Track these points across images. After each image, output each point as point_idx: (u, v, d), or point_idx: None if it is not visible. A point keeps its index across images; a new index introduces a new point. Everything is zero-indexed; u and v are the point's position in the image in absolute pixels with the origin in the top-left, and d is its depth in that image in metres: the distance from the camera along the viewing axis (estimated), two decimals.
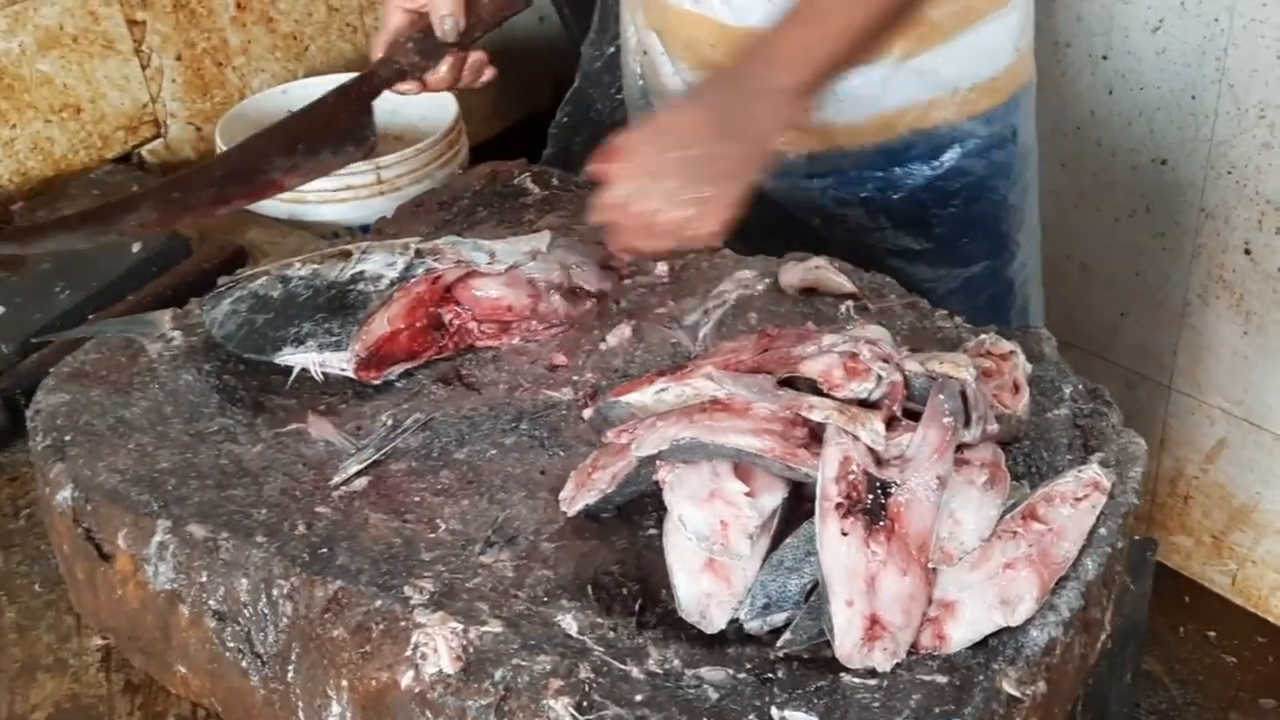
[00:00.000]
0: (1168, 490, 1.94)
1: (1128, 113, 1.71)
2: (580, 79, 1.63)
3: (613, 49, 1.52)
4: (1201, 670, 1.85)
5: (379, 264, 0.98)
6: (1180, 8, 1.60)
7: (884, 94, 1.23)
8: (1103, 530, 0.77)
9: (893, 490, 0.73)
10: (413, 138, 1.57)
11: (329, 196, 1.48)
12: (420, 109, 1.62)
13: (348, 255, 1.00)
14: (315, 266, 1.00)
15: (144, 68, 1.61)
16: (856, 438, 0.74)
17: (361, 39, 1.85)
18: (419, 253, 0.99)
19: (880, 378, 0.76)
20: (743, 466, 0.75)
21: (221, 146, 1.52)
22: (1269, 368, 1.72)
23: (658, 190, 0.90)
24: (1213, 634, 1.90)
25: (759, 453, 0.73)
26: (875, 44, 1.03)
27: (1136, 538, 0.95)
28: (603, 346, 0.98)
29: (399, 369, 0.97)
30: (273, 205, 1.49)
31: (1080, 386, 0.91)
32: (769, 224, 1.16)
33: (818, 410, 0.74)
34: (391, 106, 1.66)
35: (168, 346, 0.99)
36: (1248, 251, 1.67)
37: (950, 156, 1.27)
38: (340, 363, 0.95)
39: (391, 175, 1.49)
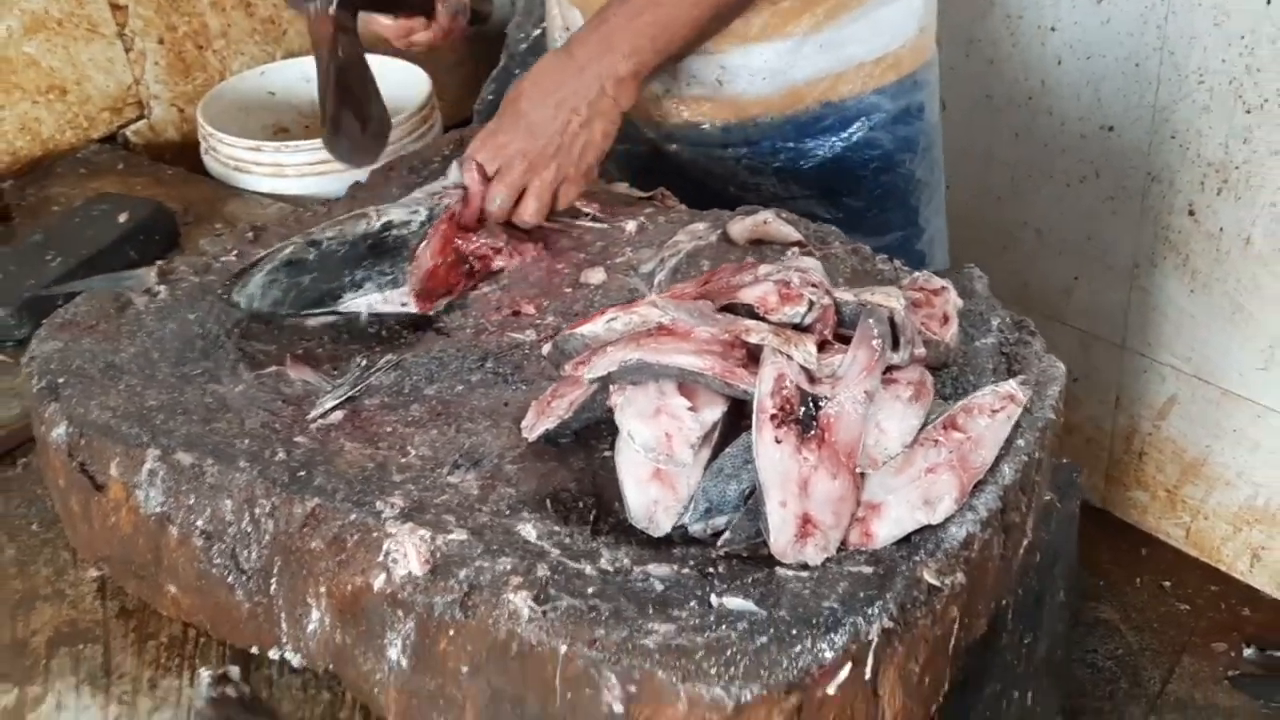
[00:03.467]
0: (1123, 447, 2.01)
1: (1076, 82, 1.78)
2: (506, 59, 1.70)
3: (538, 31, 1.58)
4: (1156, 617, 1.92)
5: (402, 214, 1.05)
6: None
7: (792, 67, 1.30)
8: (1020, 441, 0.84)
9: (823, 404, 0.79)
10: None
11: (307, 170, 1.54)
12: (395, 88, 1.68)
13: (365, 215, 1.07)
14: (339, 228, 1.06)
15: (127, 51, 1.67)
16: (790, 357, 0.80)
17: None
18: (432, 200, 1.07)
19: (812, 303, 0.83)
20: (686, 385, 0.81)
21: (204, 126, 1.58)
22: (1214, 325, 1.79)
23: (522, 184, 1.11)
24: (1168, 584, 1.97)
25: (700, 371, 0.80)
26: (708, 35, 1.16)
27: (1064, 460, 1.01)
28: (567, 292, 1.05)
29: (444, 301, 1.05)
30: (253, 180, 1.55)
31: (1007, 319, 0.97)
32: (686, 192, 1.24)
33: (754, 333, 0.81)
34: None
35: (153, 299, 1.06)
36: (1191, 213, 1.74)
37: (858, 129, 1.33)
38: (400, 298, 1.02)
39: None
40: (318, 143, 1.53)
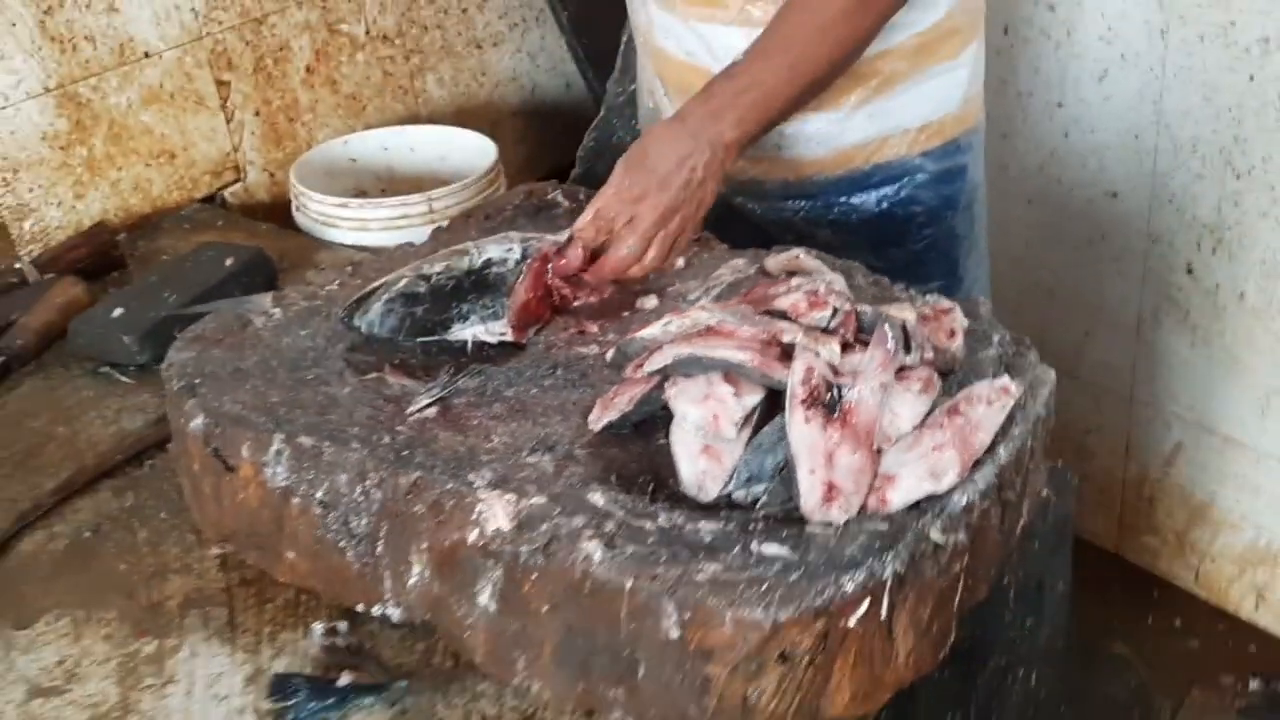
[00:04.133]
0: (1134, 494, 2.13)
1: (1082, 153, 1.93)
2: (605, 110, 1.88)
3: (633, 86, 1.75)
4: (1167, 653, 2.03)
5: (499, 251, 1.20)
6: (1121, 60, 1.83)
7: (843, 134, 1.45)
8: (1015, 430, 0.98)
9: (845, 392, 0.94)
10: (458, 178, 1.80)
11: (388, 225, 1.71)
12: (464, 155, 1.87)
13: (467, 252, 1.22)
14: (445, 263, 1.20)
15: (228, 121, 1.86)
16: (817, 354, 0.95)
17: (411, 99, 2.09)
18: (524, 240, 1.22)
19: (835, 309, 0.98)
20: (730, 376, 0.96)
21: (296, 185, 1.75)
22: (1214, 375, 1.92)
23: (640, 244, 1.21)
24: (1178, 622, 2.08)
25: (742, 363, 0.95)
26: (799, 108, 1.31)
27: (1060, 463, 1.15)
28: (624, 315, 1.20)
29: (533, 330, 1.18)
30: (339, 234, 1.72)
31: (1007, 336, 1.12)
32: (751, 239, 1.38)
33: (788, 332, 0.96)
34: (440, 153, 1.91)
35: (270, 319, 1.22)
36: (1190, 271, 1.89)
37: (905, 186, 1.48)
38: (499, 329, 1.16)
39: (441, 206, 1.72)
40: (398, 199, 1.72)
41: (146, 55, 1.73)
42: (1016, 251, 2.01)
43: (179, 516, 1.18)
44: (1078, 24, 1.87)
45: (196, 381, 1.11)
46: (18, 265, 1.64)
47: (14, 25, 1.58)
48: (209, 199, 1.86)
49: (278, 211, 1.88)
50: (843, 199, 1.48)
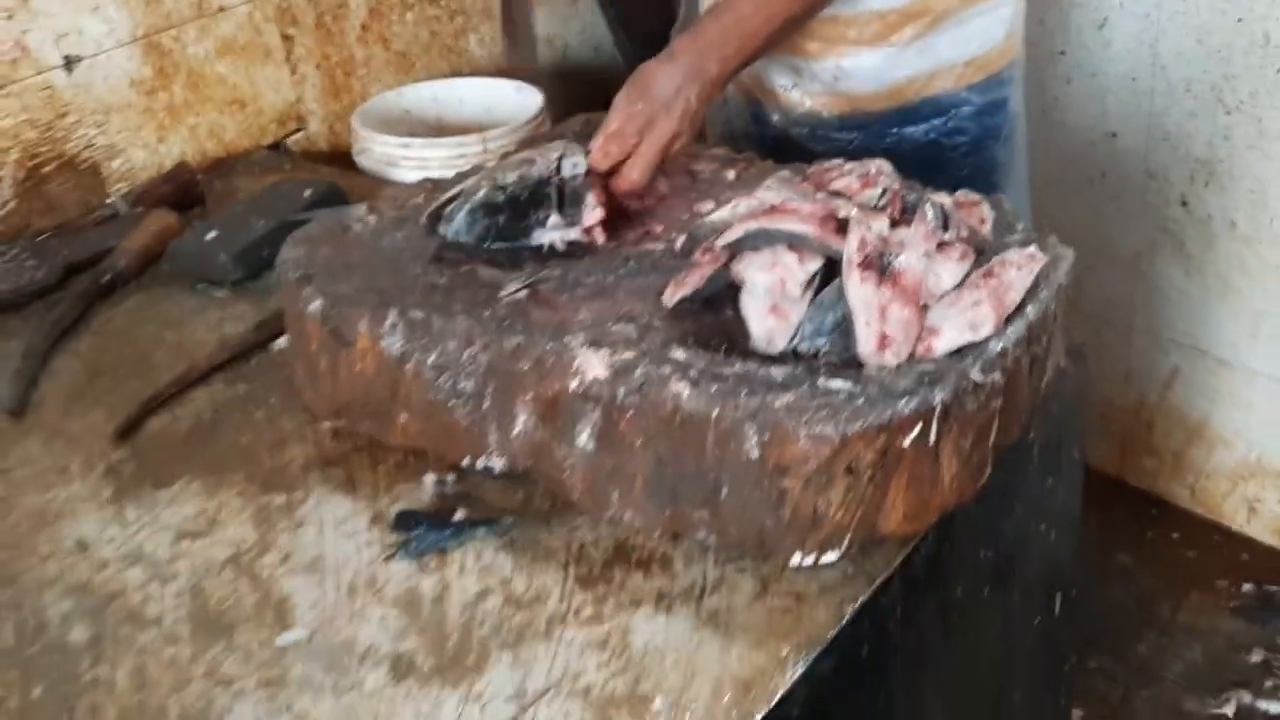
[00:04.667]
0: (1134, 419, 2.27)
1: (1083, 97, 2.08)
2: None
3: None
4: (1167, 564, 2.18)
5: (567, 162, 1.32)
6: (1119, 7, 1.97)
7: (895, 68, 1.58)
8: (1042, 293, 1.12)
9: (895, 259, 1.08)
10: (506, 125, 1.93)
11: (445, 163, 1.84)
12: (509, 105, 2.00)
13: (533, 161, 1.34)
14: (518, 173, 1.32)
15: (292, 73, 1.99)
16: (870, 227, 1.09)
17: (455, 57, 2.23)
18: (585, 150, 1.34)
19: (885, 189, 1.12)
20: (794, 247, 1.10)
21: (359, 130, 1.89)
22: (1208, 301, 2.07)
23: (654, 161, 1.33)
24: (1176, 535, 2.22)
25: (804, 234, 1.08)
26: (778, 45, 1.44)
27: (1075, 339, 1.29)
28: (684, 217, 1.34)
29: (603, 234, 1.30)
30: (401, 173, 1.85)
31: (1029, 224, 1.26)
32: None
33: (843, 209, 1.10)
34: (486, 105, 2.05)
35: (367, 225, 1.35)
36: (1184, 204, 2.03)
37: (951, 118, 1.61)
38: (574, 233, 1.28)
39: (495, 146, 1.85)
40: (455, 139, 1.85)
41: (221, 9, 1.86)
42: None
43: (289, 401, 1.32)
44: None
45: (311, 272, 1.24)
46: (109, 201, 1.77)
47: None
48: (275, 146, 2.00)
49: (336, 159, 2.01)
50: (894, 130, 1.60)
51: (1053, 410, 1.24)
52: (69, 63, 1.71)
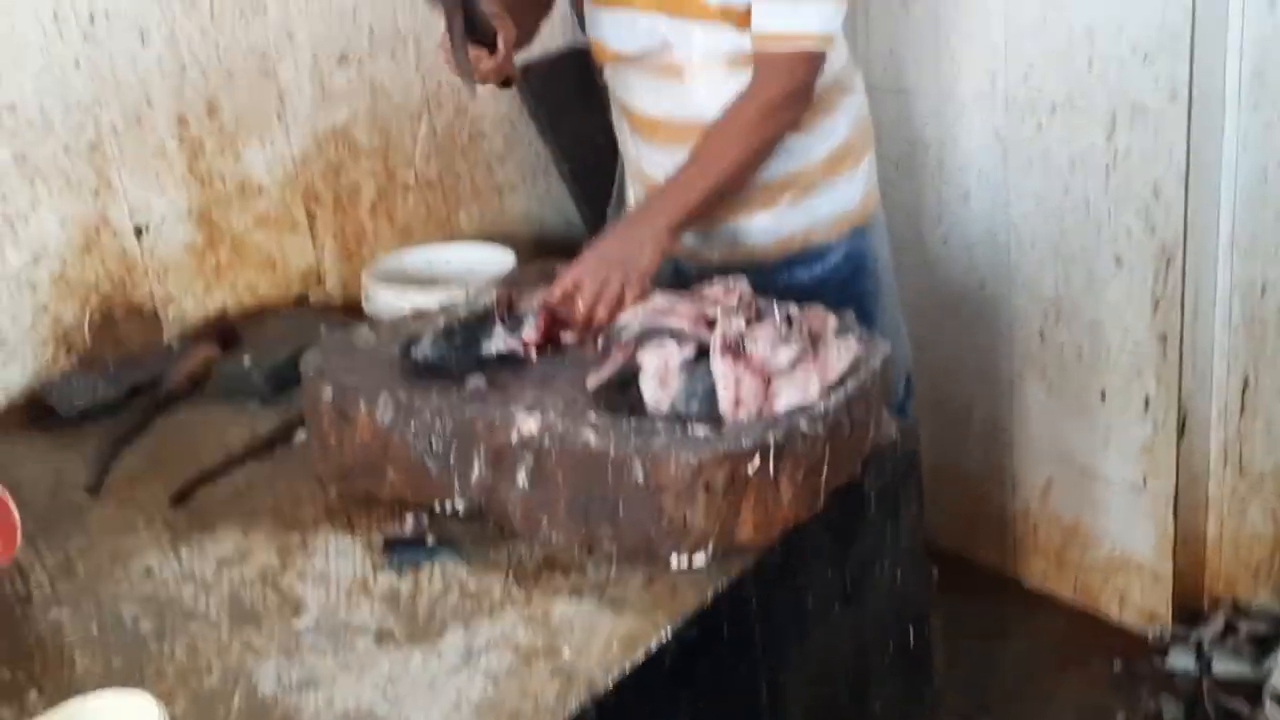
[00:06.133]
0: (1022, 524, 2.60)
1: (956, 253, 2.48)
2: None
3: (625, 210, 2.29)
4: (1052, 644, 2.47)
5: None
6: (977, 181, 2.40)
7: (780, 226, 1.98)
8: (860, 372, 1.49)
9: (747, 346, 1.45)
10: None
11: None
12: (489, 265, 2.40)
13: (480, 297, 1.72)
14: (471, 307, 1.70)
15: (313, 242, 2.40)
16: (731, 322, 1.47)
17: (448, 230, 2.64)
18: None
19: (741, 298, 1.50)
20: (675, 337, 1.47)
21: (368, 284, 2.28)
22: (1067, 418, 2.42)
23: (610, 307, 1.63)
24: (1061, 622, 2.53)
25: (683, 329, 1.46)
26: (718, 207, 1.83)
27: (910, 421, 1.65)
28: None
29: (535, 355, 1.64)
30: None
31: (862, 331, 1.63)
32: None
33: (710, 309, 1.48)
34: (470, 265, 2.44)
35: (367, 341, 1.73)
36: (1042, 337, 2.41)
37: (827, 262, 2.01)
38: (515, 343, 1.59)
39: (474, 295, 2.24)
40: (444, 289, 2.24)
41: (259, 191, 2.29)
42: (917, 333, 2.54)
43: (305, 475, 1.67)
44: (945, 159, 2.44)
45: (324, 369, 1.62)
46: (165, 340, 2.17)
47: (171, 167, 2.15)
48: (298, 299, 2.39)
49: (348, 310, 2.40)
50: (784, 274, 1.98)
51: (886, 469, 1.59)
52: (139, 231, 2.13)
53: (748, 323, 1.49)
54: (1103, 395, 2.36)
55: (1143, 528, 2.40)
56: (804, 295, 1.88)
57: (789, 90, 1.81)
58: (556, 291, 1.67)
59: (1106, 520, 2.45)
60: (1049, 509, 2.55)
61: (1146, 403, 2.30)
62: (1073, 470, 2.46)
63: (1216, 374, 2.28)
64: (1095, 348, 2.33)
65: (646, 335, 1.49)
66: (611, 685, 1.23)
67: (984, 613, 2.55)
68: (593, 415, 1.45)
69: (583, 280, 1.66)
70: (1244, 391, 2.26)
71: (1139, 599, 2.45)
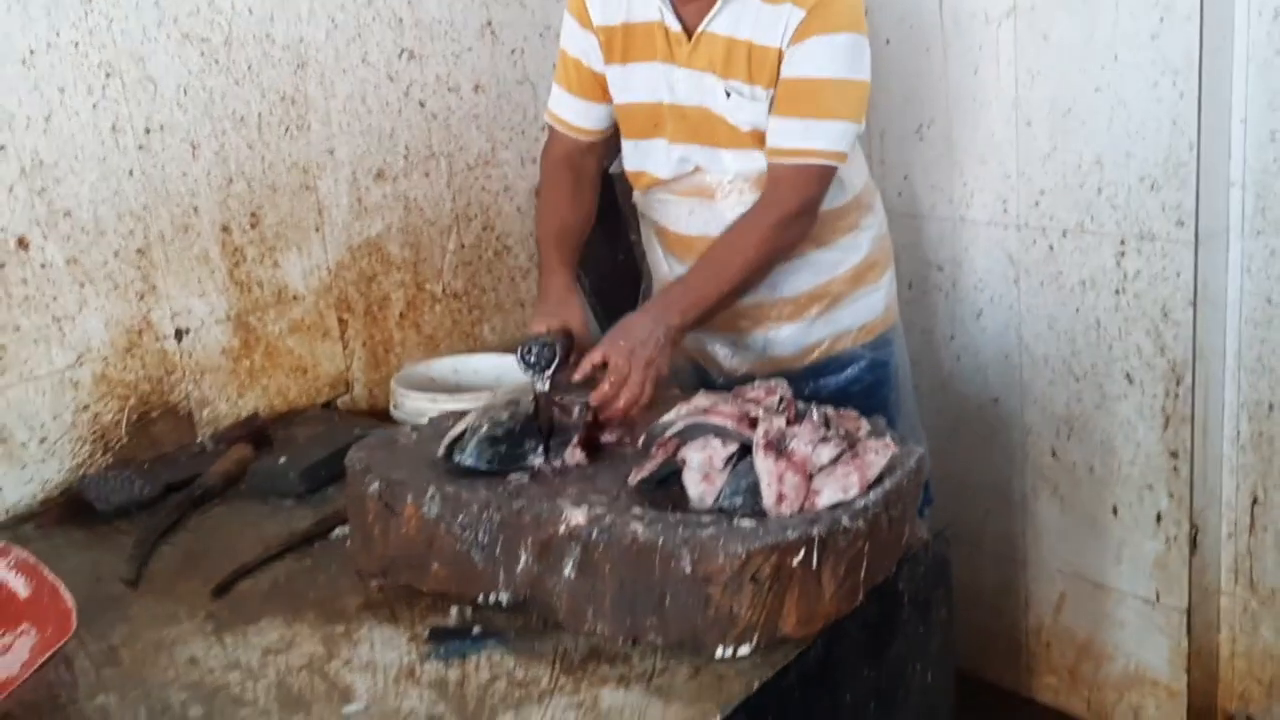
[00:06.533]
0: (1035, 640, 2.61)
1: (970, 371, 2.55)
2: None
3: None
4: None
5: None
6: (990, 302, 2.47)
7: (806, 337, 2.06)
8: (896, 471, 1.53)
9: (789, 444, 1.50)
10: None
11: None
12: (515, 375, 2.45)
13: (518, 401, 1.77)
14: (508, 411, 1.74)
15: (344, 349, 2.46)
16: (772, 422, 1.51)
17: (472, 341, 2.70)
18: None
19: (782, 398, 1.55)
20: (719, 435, 1.52)
21: (397, 390, 2.33)
22: (1079, 533, 2.46)
23: (639, 386, 1.73)
24: None
25: (726, 426, 1.51)
26: (726, 308, 1.90)
27: (939, 525, 1.69)
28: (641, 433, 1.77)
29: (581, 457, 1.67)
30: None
31: (894, 433, 1.68)
32: None
33: (753, 410, 1.53)
34: (496, 375, 2.48)
35: (409, 439, 1.77)
36: (1054, 454, 2.46)
37: (851, 371, 2.08)
38: (560, 460, 1.65)
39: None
40: (471, 395, 2.29)
41: (295, 298, 2.35)
42: (931, 449, 2.59)
43: (345, 569, 1.69)
44: (958, 279, 2.52)
45: (370, 465, 1.66)
46: (199, 440, 2.20)
47: (213, 273, 2.21)
48: (326, 405, 2.44)
49: (374, 415, 2.45)
50: (810, 382, 2.06)
51: (919, 571, 1.62)
52: (179, 334, 2.18)
53: (788, 422, 1.54)
54: (1115, 510, 2.39)
55: (1156, 643, 2.41)
56: (830, 402, 1.95)
57: (801, 203, 1.90)
58: (586, 366, 1.75)
59: (1120, 636, 2.47)
60: (1061, 625, 2.56)
61: (1158, 518, 2.34)
62: (1085, 585, 2.49)
63: (1226, 490, 2.32)
64: (1106, 464, 2.38)
65: (690, 432, 1.53)
66: None
67: None
68: (638, 509, 1.48)
69: (608, 358, 1.75)
70: (1253, 507, 2.30)
71: (1153, 715, 2.45)
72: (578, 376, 1.76)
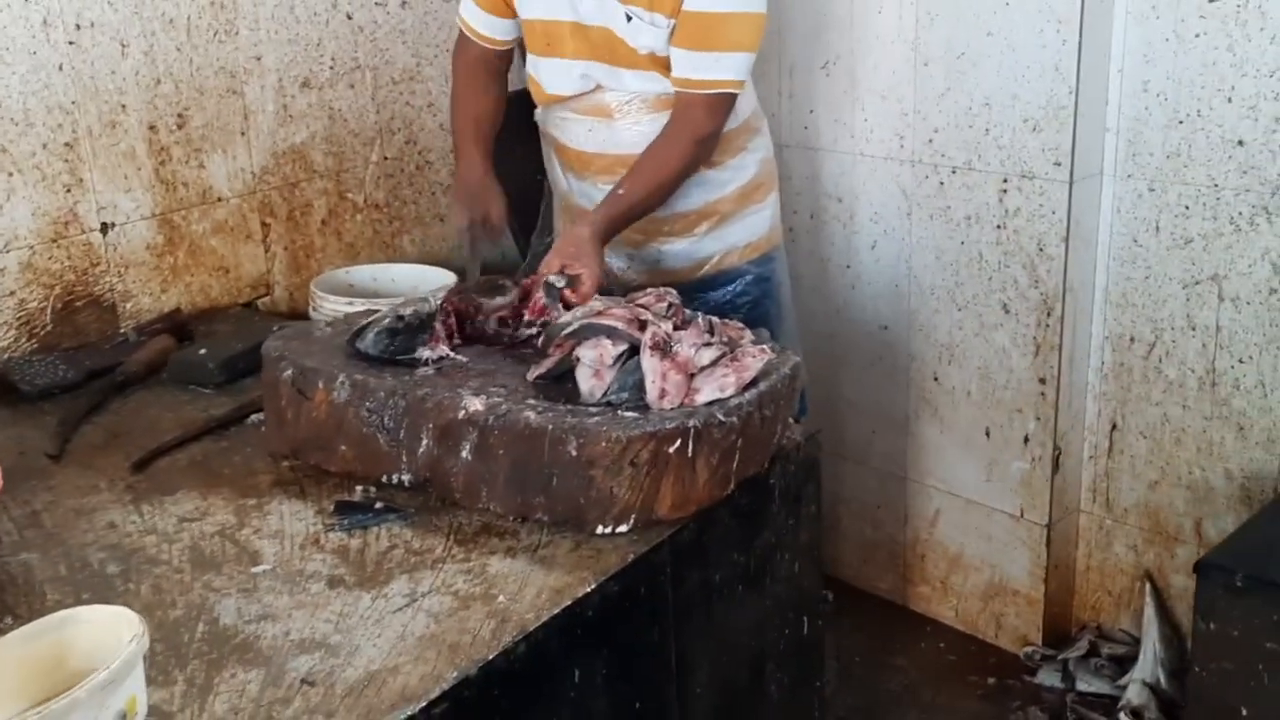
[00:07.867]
0: (911, 553, 2.79)
1: (863, 299, 2.69)
2: (530, 256, 2.59)
3: (549, 238, 2.47)
4: (933, 664, 2.65)
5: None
6: (884, 234, 2.61)
7: (697, 251, 2.19)
8: (772, 375, 1.66)
9: (674, 346, 1.63)
10: None
11: None
12: (431, 283, 2.55)
13: (426, 299, 1.88)
14: (413, 308, 1.85)
15: (265, 251, 2.54)
16: (660, 325, 1.64)
17: (391, 251, 2.79)
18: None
19: (670, 304, 1.68)
20: (610, 335, 1.64)
21: (316, 293, 2.42)
22: (955, 453, 2.63)
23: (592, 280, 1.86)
24: (942, 645, 2.72)
25: (617, 327, 1.63)
26: (646, 213, 2.03)
27: (813, 428, 1.83)
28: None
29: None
30: None
31: (775, 343, 1.82)
32: None
33: (644, 313, 1.65)
34: (413, 284, 2.58)
35: (324, 332, 1.87)
36: (936, 379, 2.62)
37: (738, 284, 2.21)
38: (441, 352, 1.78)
39: None
40: (387, 301, 2.38)
41: (219, 200, 2.42)
42: (822, 372, 2.73)
43: (259, 451, 1.80)
44: (856, 211, 2.66)
45: (285, 351, 1.76)
46: (121, 331, 2.28)
47: (140, 170, 2.27)
48: (247, 304, 2.52)
49: (293, 318, 2.53)
50: (699, 294, 2.19)
51: (789, 469, 1.76)
52: (105, 228, 2.24)
53: (675, 327, 1.67)
54: (987, 432, 2.56)
55: (1018, 556, 2.60)
56: (716, 314, 2.09)
57: (714, 126, 2.03)
58: (555, 263, 1.88)
59: (987, 549, 2.65)
60: (935, 539, 2.74)
61: (1025, 440, 2.51)
62: (959, 502, 2.66)
63: (1089, 416, 2.50)
64: (983, 389, 2.54)
65: (584, 332, 1.65)
66: (540, 627, 1.37)
67: (875, 635, 2.74)
68: (533, 400, 1.60)
69: (565, 251, 1.90)
70: (1112, 432, 2.48)
71: (1014, 622, 2.65)
72: (551, 276, 1.85)
